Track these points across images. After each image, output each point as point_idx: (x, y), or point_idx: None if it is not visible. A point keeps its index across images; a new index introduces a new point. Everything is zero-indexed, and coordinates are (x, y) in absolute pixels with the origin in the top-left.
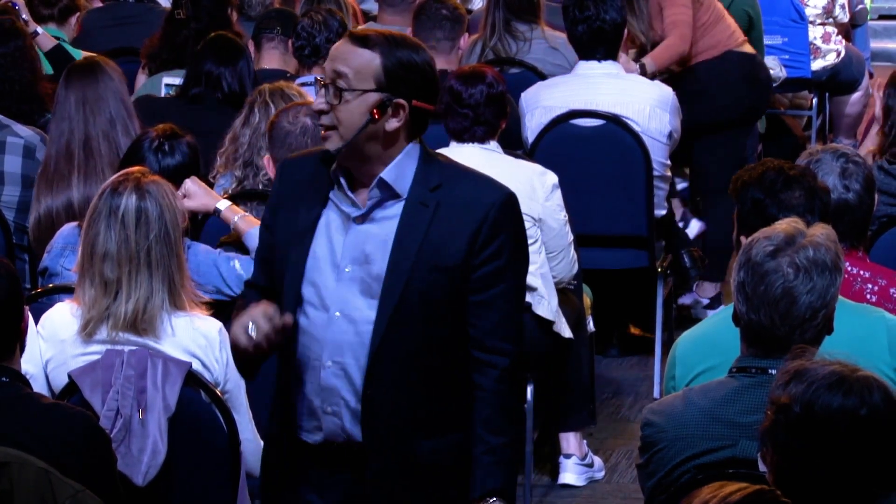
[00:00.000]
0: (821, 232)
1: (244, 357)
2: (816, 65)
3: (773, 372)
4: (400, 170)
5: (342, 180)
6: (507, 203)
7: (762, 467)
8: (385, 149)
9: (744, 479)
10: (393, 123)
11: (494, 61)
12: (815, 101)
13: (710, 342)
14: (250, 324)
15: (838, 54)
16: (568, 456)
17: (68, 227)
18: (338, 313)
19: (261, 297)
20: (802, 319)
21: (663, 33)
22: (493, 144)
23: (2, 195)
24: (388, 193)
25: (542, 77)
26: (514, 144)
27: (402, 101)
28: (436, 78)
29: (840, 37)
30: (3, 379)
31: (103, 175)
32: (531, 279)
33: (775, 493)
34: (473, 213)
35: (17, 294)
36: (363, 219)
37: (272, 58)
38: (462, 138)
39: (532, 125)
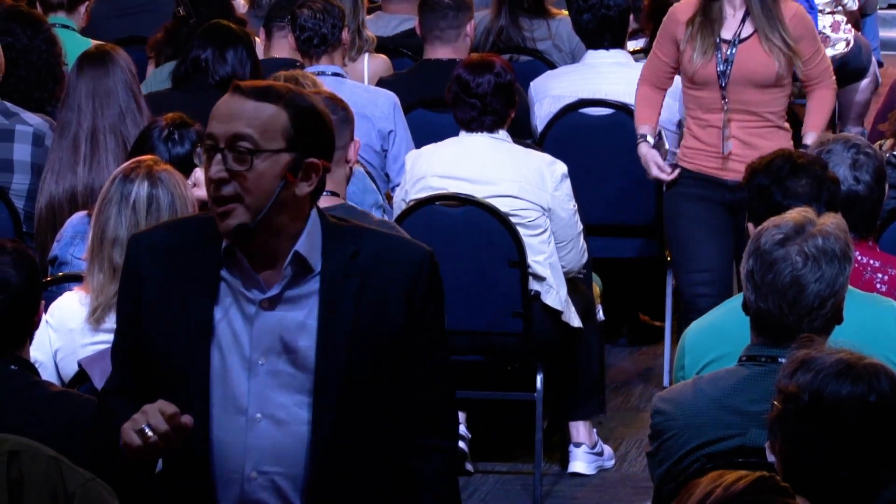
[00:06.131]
0: (830, 221)
1: (137, 460)
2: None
3: (783, 360)
4: (311, 241)
5: (241, 257)
6: (434, 260)
7: (770, 457)
8: (292, 219)
9: (753, 467)
10: (304, 188)
11: (504, 49)
12: None
13: (719, 331)
14: (145, 425)
15: (848, 43)
16: (578, 445)
17: (78, 216)
18: (259, 415)
19: (134, 402)
20: (811, 308)
21: (808, 69)
22: (503, 134)
23: (12, 183)
24: (302, 269)
25: (552, 66)
26: (523, 133)
27: (315, 160)
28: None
29: (849, 25)
30: (12, 367)
31: (108, 168)
32: (540, 269)
33: (776, 479)
34: (405, 273)
35: (35, 286)
36: (273, 301)
37: (282, 47)
38: (470, 128)
39: (541, 114)
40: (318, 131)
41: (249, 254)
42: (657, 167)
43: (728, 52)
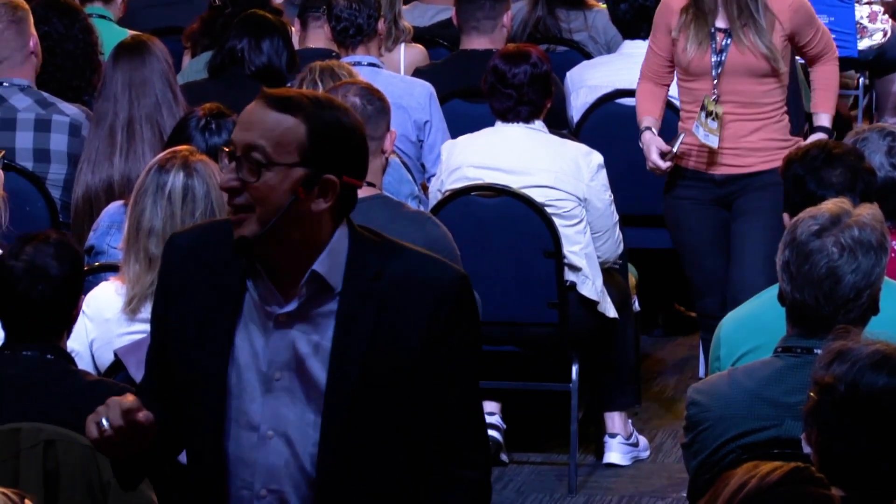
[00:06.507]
0: (867, 212)
1: (101, 453)
2: (863, 44)
3: (819, 352)
4: (333, 260)
5: (261, 270)
6: (465, 284)
7: (806, 448)
8: (309, 234)
9: (789, 459)
10: (320, 204)
11: (540, 40)
12: (861, 80)
13: (754, 322)
14: (103, 418)
15: (885, 33)
16: (613, 435)
17: (114, 206)
18: (271, 433)
19: (161, 403)
20: (847, 299)
21: (808, 50)
22: (539, 124)
23: (48, 173)
24: (320, 288)
25: (589, 56)
26: (559, 124)
27: (332, 177)
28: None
29: (886, 16)
30: (49, 357)
31: (144, 158)
32: (576, 259)
33: (811, 470)
34: (430, 298)
35: (77, 278)
36: (290, 318)
37: (318, 37)
38: (507, 118)
39: (577, 105)
40: (339, 147)
41: (268, 267)
42: (657, 153)
43: (723, 42)
